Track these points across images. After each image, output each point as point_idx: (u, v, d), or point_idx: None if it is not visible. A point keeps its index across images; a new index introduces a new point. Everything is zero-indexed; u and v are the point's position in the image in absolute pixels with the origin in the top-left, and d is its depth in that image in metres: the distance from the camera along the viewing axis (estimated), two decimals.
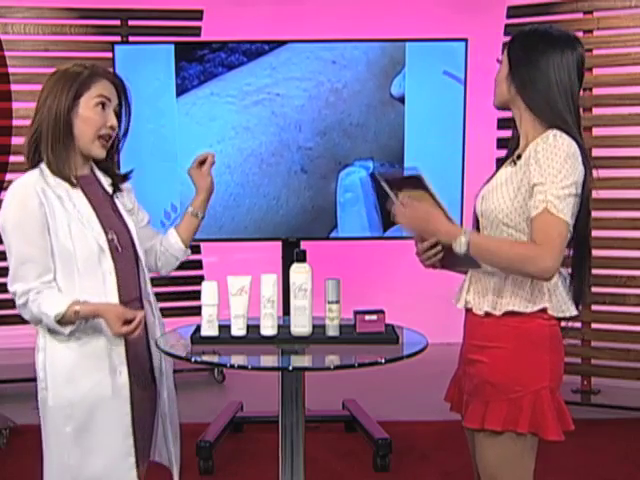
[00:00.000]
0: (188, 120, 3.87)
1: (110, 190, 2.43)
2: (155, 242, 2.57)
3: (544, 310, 2.14)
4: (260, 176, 3.87)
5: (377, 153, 3.89)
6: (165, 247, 2.58)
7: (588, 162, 2.13)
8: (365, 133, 3.88)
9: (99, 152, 2.35)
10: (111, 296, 2.31)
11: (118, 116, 2.39)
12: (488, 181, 2.29)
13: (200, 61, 3.82)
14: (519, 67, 2.18)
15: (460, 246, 2.08)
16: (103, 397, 2.30)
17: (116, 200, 2.45)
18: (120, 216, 2.42)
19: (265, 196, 3.88)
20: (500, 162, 2.32)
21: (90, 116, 2.31)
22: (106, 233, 2.33)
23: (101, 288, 2.30)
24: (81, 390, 2.27)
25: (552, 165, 2.05)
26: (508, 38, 2.32)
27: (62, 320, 2.23)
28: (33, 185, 2.26)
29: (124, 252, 2.37)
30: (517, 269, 2.08)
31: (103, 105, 2.32)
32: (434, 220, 2.14)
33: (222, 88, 3.83)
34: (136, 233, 2.44)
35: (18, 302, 2.31)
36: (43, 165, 2.31)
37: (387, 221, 3.84)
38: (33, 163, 2.32)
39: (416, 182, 2.11)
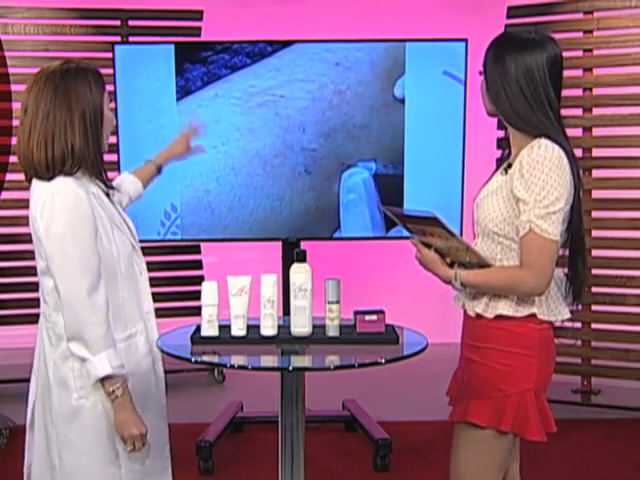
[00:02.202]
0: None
1: (106, 191, 2.43)
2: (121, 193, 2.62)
3: (533, 315, 2.17)
4: (264, 177, 3.89)
5: (380, 154, 3.91)
6: (129, 195, 2.69)
7: (576, 166, 2.14)
8: (368, 135, 3.90)
9: (107, 147, 2.36)
10: (145, 294, 2.36)
11: None
12: (484, 186, 2.30)
13: (204, 62, 3.83)
14: (491, 81, 2.19)
15: (457, 286, 2.21)
16: (148, 392, 2.34)
17: (114, 199, 2.45)
18: (120, 215, 2.43)
19: (269, 197, 3.90)
20: (497, 165, 2.34)
21: (110, 115, 2.33)
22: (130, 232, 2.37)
23: (137, 288, 2.33)
24: (130, 388, 2.25)
25: (535, 182, 2.06)
26: None
27: (101, 381, 2.18)
28: (78, 190, 2.19)
29: None
30: (509, 293, 2.17)
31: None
32: (435, 266, 2.23)
33: (226, 90, 3.84)
34: (136, 233, 2.46)
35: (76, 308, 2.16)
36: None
37: (390, 222, 3.86)
38: (61, 170, 2.21)
39: (432, 222, 2.15)
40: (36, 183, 2.24)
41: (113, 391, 2.18)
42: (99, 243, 2.21)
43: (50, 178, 2.21)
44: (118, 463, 2.28)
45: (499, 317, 2.17)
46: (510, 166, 2.17)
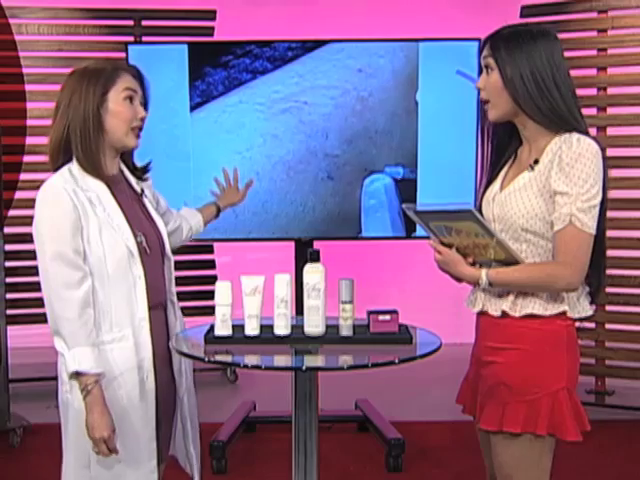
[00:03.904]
0: (217, 127, 3.89)
1: (138, 189, 2.43)
2: (181, 222, 2.67)
3: (564, 313, 2.13)
4: (288, 183, 3.92)
5: (402, 160, 3.92)
6: (190, 226, 2.78)
7: (605, 162, 2.11)
8: (390, 141, 3.91)
9: (133, 142, 2.35)
10: (141, 300, 2.29)
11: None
12: (490, 183, 2.26)
13: (224, 67, 3.86)
14: (516, 78, 2.09)
15: (484, 286, 2.14)
16: (132, 401, 2.27)
17: (144, 200, 2.45)
18: (149, 216, 2.42)
19: (292, 202, 3.93)
20: (495, 162, 2.28)
21: (121, 110, 2.30)
22: (135, 236, 2.30)
23: (131, 293, 2.28)
24: (110, 394, 2.23)
25: (578, 175, 2.03)
26: None
27: (75, 376, 2.18)
28: (64, 186, 2.22)
29: (152, 254, 2.35)
30: (542, 290, 2.11)
31: (131, 98, 2.31)
32: (459, 266, 2.17)
33: (250, 96, 3.87)
34: (166, 234, 2.46)
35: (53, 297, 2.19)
36: (72, 166, 2.28)
37: (410, 227, 3.89)
38: (58, 164, 2.29)
39: (465, 216, 2.09)
40: None
41: (84, 388, 2.17)
42: (85, 241, 2.21)
43: (56, 169, 2.29)
44: (88, 464, 2.25)
45: (527, 316, 2.12)
46: (536, 161, 2.13)
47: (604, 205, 2.11)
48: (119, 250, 2.26)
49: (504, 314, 2.16)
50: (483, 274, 2.13)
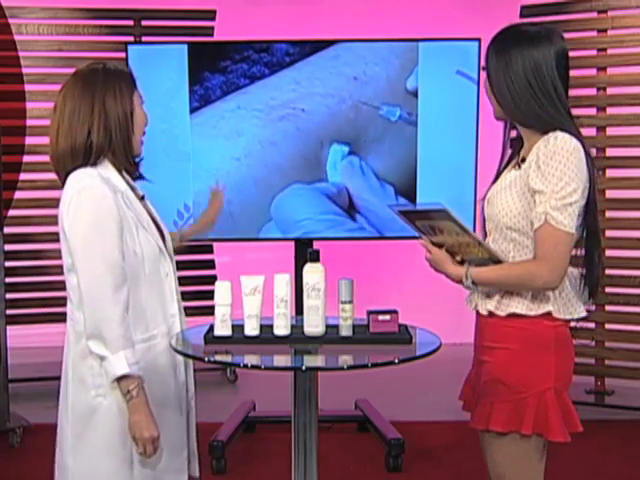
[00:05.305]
0: (216, 133, 3.90)
1: (140, 194, 2.43)
2: None
3: (548, 313, 2.13)
4: (283, 188, 3.94)
5: (396, 166, 3.94)
6: None
7: (591, 159, 2.11)
8: (384, 147, 3.93)
9: (141, 149, 2.36)
10: (171, 297, 2.33)
11: None
12: (493, 183, 2.28)
13: (223, 72, 3.87)
14: (495, 77, 2.17)
15: (468, 285, 2.16)
16: (168, 397, 2.31)
17: (147, 202, 2.45)
18: (153, 219, 2.42)
19: (287, 206, 3.94)
20: (502, 163, 2.30)
21: (142, 114, 2.33)
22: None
23: (163, 290, 2.31)
24: (147, 392, 2.22)
25: (553, 172, 2.04)
26: None
27: (117, 380, 2.17)
28: (105, 188, 2.19)
29: None
30: (522, 288, 2.12)
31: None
32: (445, 266, 2.19)
33: (248, 102, 3.89)
34: (168, 234, 2.47)
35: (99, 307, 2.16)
36: (97, 168, 2.24)
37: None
38: (69, 168, 2.24)
39: (442, 215, 2.11)
40: (67, 182, 2.24)
41: (129, 391, 2.17)
42: (124, 242, 2.21)
43: (76, 168, 2.22)
44: (131, 464, 2.26)
45: (512, 315, 2.14)
46: (524, 160, 2.14)
47: (589, 200, 2.11)
48: (152, 249, 2.29)
49: (490, 313, 2.18)
50: (466, 273, 2.14)
